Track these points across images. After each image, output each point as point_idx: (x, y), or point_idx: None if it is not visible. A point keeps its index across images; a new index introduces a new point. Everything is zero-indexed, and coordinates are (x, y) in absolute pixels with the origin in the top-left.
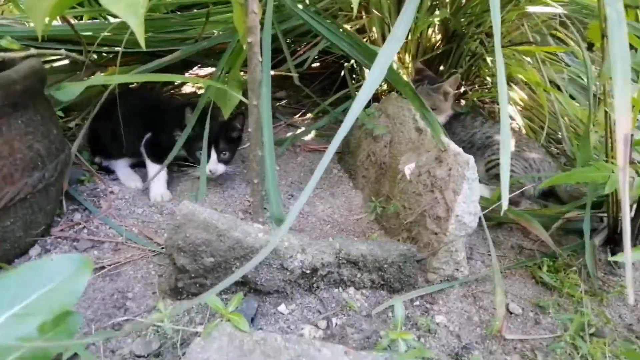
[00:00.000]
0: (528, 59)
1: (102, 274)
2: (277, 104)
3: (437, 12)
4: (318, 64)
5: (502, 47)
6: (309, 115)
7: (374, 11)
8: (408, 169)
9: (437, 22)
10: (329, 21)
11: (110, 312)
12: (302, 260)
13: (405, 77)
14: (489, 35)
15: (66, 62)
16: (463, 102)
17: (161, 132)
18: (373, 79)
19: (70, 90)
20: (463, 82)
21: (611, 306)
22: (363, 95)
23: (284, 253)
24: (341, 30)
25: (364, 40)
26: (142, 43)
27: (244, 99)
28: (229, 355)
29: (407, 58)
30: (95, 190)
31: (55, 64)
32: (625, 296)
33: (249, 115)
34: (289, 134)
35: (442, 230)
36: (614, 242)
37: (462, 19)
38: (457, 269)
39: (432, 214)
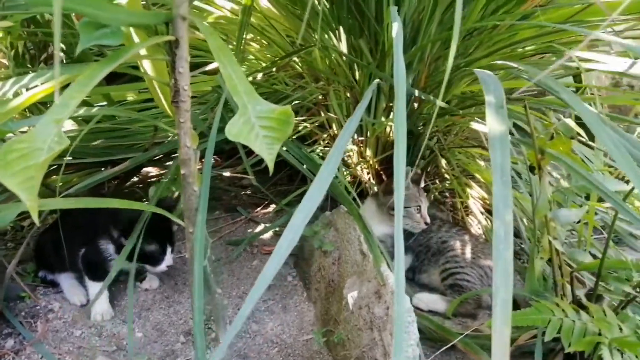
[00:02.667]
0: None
1: None
2: (242, 192)
3: (392, 116)
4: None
5: (456, 147)
6: (272, 207)
7: (329, 114)
8: (351, 297)
9: (391, 124)
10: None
11: None
12: None
13: (366, 175)
14: (445, 133)
15: None
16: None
17: (95, 247)
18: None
19: (2, 217)
20: (424, 178)
21: None
22: (290, 235)
23: None
24: (290, 139)
25: (325, 135)
26: (36, 219)
27: (180, 221)
28: None
29: (369, 152)
30: (34, 308)
31: None
32: None
33: (186, 241)
34: (248, 231)
35: None
36: None
37: (417, 120)
38: None
39: (371, 356)
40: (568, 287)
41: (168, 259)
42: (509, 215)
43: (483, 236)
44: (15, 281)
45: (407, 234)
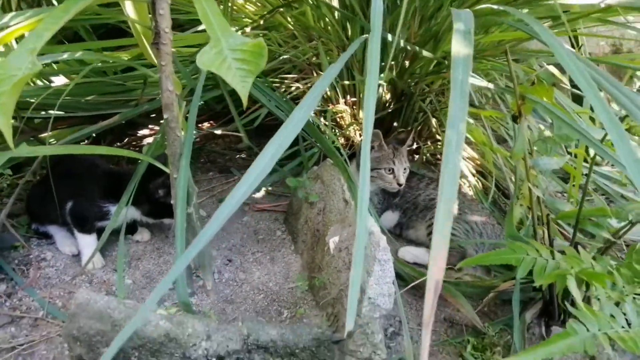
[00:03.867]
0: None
1: (15, 354)
2: (237, 155)
3: (381, 75)
4: None
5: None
6: None
7: (321, 72)
8: (333, 242)
9: (384, 83)
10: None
11: None
12: (206, 349)
13: (358, 137)
14: (438, 94)
15: None
16: (416, 156)
17: (83, 202)
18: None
19: None
20: (416, 138)
21: None
22: (255, 171)
23: (187, 341)
24: (283, 99)
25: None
26: (11, 143)
27: (165, 168)
28: None
29: (362, 114)
30: (27, 257)
31: None
32: None
33: (172, 188)
34: None
35: (357, 312)
36: (548, 315)
37: (409, 80)
38: (375, 352)
39: (348, 294)
40: (546, 234)
41: None
42: (463, 125)
43: (472, 195)
44: (9, 232)
45: (392, 192)
